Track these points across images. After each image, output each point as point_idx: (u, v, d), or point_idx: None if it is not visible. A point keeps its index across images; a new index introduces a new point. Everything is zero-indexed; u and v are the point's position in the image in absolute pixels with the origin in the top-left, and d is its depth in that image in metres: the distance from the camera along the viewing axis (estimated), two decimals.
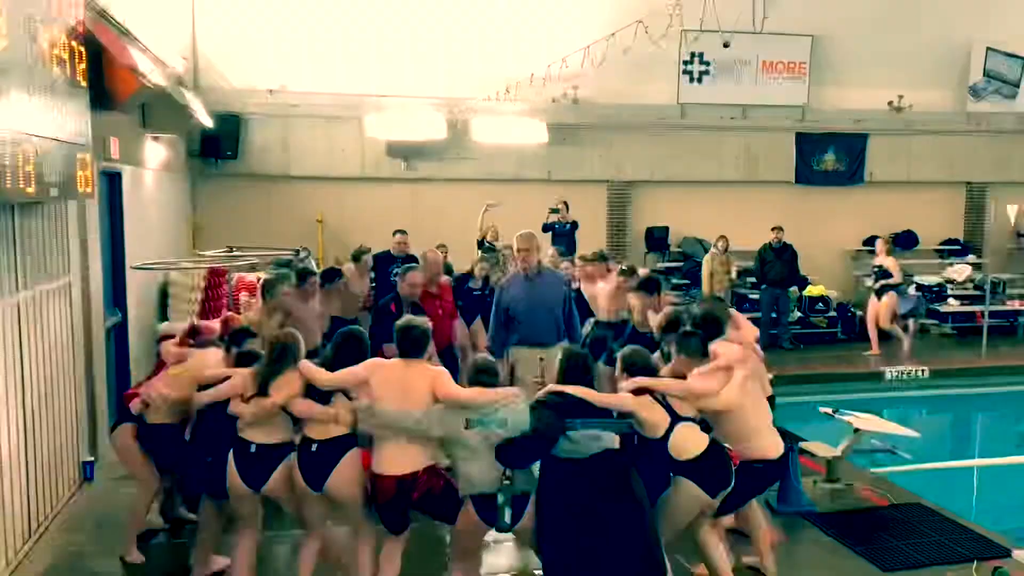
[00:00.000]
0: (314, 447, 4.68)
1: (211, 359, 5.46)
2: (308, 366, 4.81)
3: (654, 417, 4.61)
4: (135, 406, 5.64)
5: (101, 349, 7.69)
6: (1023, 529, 7.38)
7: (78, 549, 5.88)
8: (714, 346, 5.15)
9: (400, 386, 4.62)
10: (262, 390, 4.79)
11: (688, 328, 5.38)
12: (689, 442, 4.67)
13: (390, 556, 4.79)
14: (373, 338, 6.90)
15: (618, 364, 4.93)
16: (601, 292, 8.25)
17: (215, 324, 6.11)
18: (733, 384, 4.91)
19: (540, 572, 5.51)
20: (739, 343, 5.24)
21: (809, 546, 6.06)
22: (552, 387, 4.58)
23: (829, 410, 7.50)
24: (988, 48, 15.90)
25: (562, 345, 7.34)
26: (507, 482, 4.33)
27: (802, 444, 7.33)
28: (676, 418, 4.66)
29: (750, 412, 5.00)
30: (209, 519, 5.29)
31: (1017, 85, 16.10)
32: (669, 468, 4.67)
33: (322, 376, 4.73)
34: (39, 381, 6.06)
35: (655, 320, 6.14)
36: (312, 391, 4.76)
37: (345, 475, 4.64)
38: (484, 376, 4.57)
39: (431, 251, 8.16)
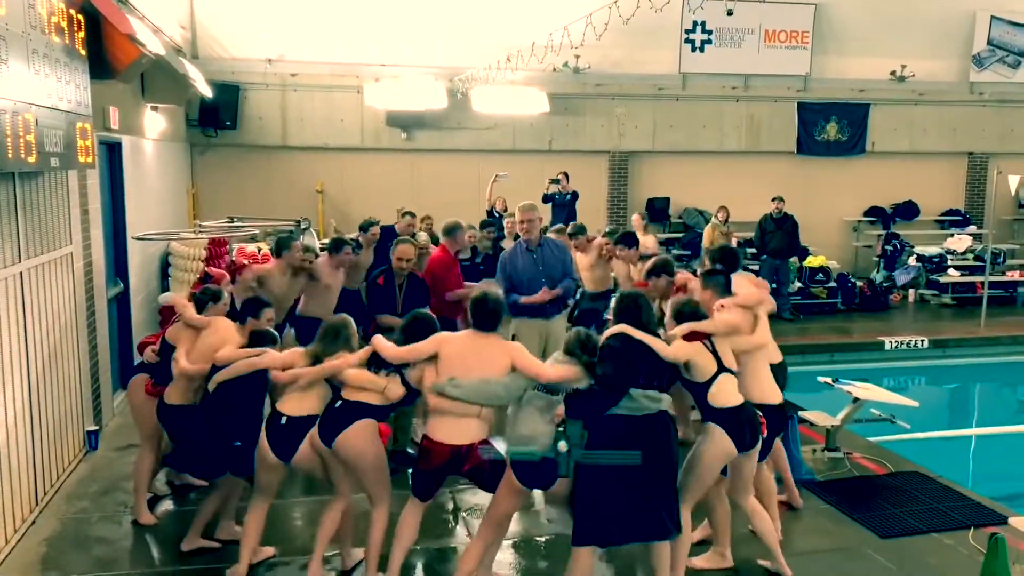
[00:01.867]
0: (337, 404, 4.73)
1: (224, 331, 5.36)
2: (379, 339, 4.79)
3: (703, 362, 4.73)
4: (147, 356, 5.69)
5: (104, 319, 7.71)
6: (1020, 496, 7.48)
7: (83, 517, 5.93)
8: (734, 283, 5.35)
9: (477, 358, 4.61)
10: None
11: (710, 266, 5.62)
12: (728, 392, 4.75)
13: (409, 520, 4.82)
14: (368, 308, 6.97)
15: (667, 312, 5.01)
16: (582, 262, 8.29)
17: (228, 277, 6.11)
18: (762, 324, 5.14)
19: (544, 538, 5.61)
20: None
21: (808, 514, 6.11)
22: (621, 327, 4.56)
23: (829, 379, 7.53)
24: (992, 16, 15.78)
25: (563, 317, 7.45)
26: (560, 431, 4.34)
27: (801, 413, 7.37)
28: (721, 368, 4.76)
29: (759, 355, 5.17)
30: (232, 488, 5.35)
31: (1021, 54, 15.99)
32: (705, 414, 4.76)
33: (391, 350, 4.71)
34: (42, 351, 6.08)
35: (640, 269, 6.18)
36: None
37: (356, 436, 4.66)
38: (579, 349, 4.52)
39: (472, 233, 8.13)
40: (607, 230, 8.21)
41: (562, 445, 4.31)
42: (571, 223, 9.07)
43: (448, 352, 4.66)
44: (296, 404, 4.83)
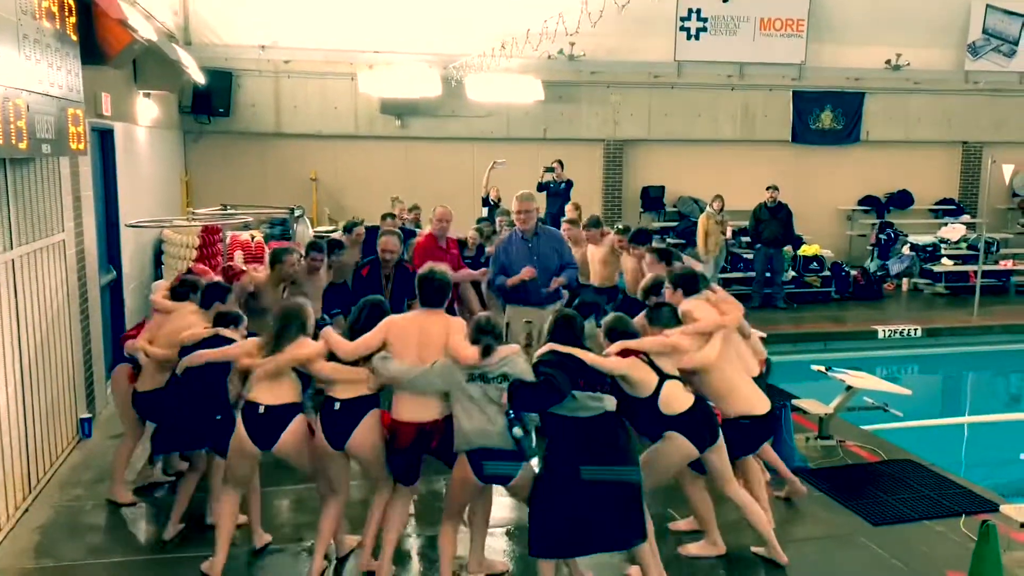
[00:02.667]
0: (337, 405, 4.71)
1: (189, 316, 5.47)
2: (331, 336, 4.79)
3: (641, 375, 4.69)
4: (128, 347, 5.76)
5: (96, 307, 7.68)
6: (1011, 484, 7.53)
7: (77, 504, 5.92)
8: (689, 305, 5.24)
9: (418, 338, 4.66)
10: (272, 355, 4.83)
11: (658, 299, 5.52)
12: (677, 398, 4.75)
13: (398, 508, 4.86)
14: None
15: (601, 331, 5.00)
16: (595, 256, 8.21)
17: (212, 274, 6.10)
18: (712, 344, 5.04)
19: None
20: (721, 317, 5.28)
21: (801, 501, 6.13)
22: (550, 346, 4.60)
23: (822, 368, 7.55)
24: (988, 5, 15.77)
25: (556, 307, 7.43)
26: (514, 421, 4.35)
27: (795, 401, 7.40)
28: (663, 377, 4.75)
29: (728, 371, 5.13)
30: (210, 463, 5.38)
31: (1016, 43, 15.98)
32: (660, 424, 4.75)
33: (345, 346, 4.73)
34: (35, 339, 6.06)
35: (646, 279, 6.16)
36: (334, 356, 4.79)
37: (366, 434, 4.69)
38: (485, 336, 4.56)
39: (442, 208, 7.99)
40: (619, 227, 8.11)
41: (517, 431, 4.35)
42: (590, 215, 8.94)
43: (394, 334, 4.69)
44: (270, 393, 4.78)
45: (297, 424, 4.79)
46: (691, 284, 5.43)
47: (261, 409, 4.74)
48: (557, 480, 4.36)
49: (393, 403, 4.74)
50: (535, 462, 4.72)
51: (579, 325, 4.67)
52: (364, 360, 4.73)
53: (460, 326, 4.72)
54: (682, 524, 5.58)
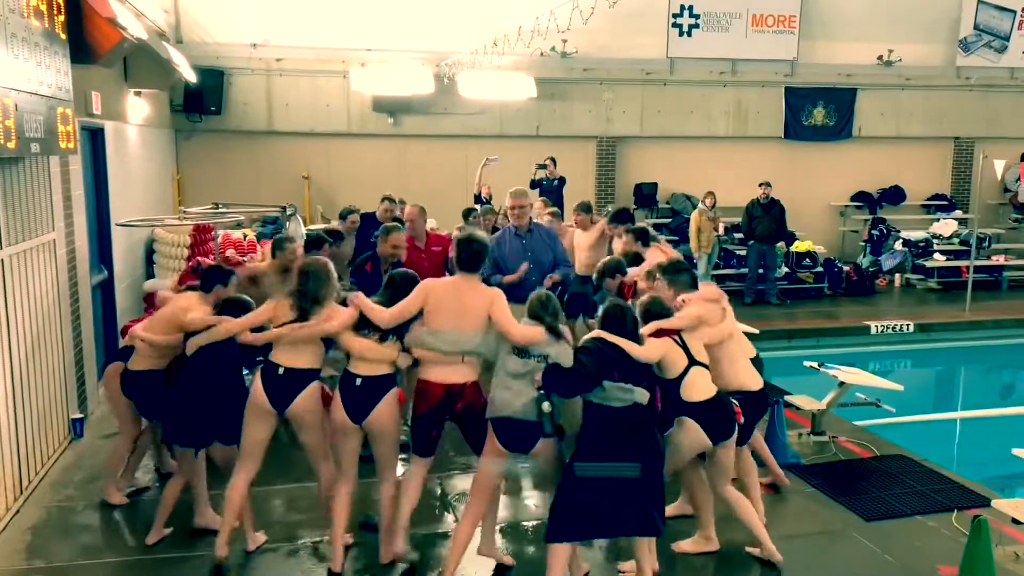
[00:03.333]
0: (358, 381, 4.74)
1: (184, 299, 5.43)
2: (365, 302, 4.81)
3: (674, 357, 4.81)
4: (127, 336, 5.73)
5: (88, 306, 7.65)
6: (1003, 479, 7.55)
7: (69, 505, 5.90)
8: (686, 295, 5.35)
9: (456, 305, 4.74)
10: (302, 317, 4.83)
11: (613, 281, 5.78)
12: (699, 386, 4.85)
13: (413, 481, 4.89)
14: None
15: (637, 311, 5.00)
16: (582, 241, 8.17)
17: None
18: (729, 317, 5.28)
19: (531, 523, 5.62)
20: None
21: (794, 496, 6.15)
22: (597, 332, 4.64)
23: (815, 364, 7.56)
24: (979, 1, 15.80)
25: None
26: (543, 397, 4.44)
27: (788, 397, 7.41)
28: (692, 362, 4.86)
29: (732, 345, 5.33)
30: (194, 469, 5.32)
31: (1007, 38, 16.02)
32: (677, 409, 4.82)
33: (383, 314, 4.75)
34: (26, 339, 6.04)
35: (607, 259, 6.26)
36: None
37: (385, 412, 4.74)
38: (546, 315, 4.62)
39: (411, 207, 7.98)
40: (611, 211, 8.08)
41: (546, 406, 4.42)
42: (581, 201, 8.92)
43: (433, 300, 4.77)
44: (291, 356, 4.83)
45: (313, 388, 4.85)
46: (645, 236, 5.87)
47: (280, 370, 4.81)
48: (586, 456, 4.40)
49: (421, 366, 4.80)
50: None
51: (630, 316, 4.70)
52: (392, 333, 4.76)
53: (502, 298, 4.79)
54: (669, 509, 5.55)
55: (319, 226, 12.03)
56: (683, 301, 5.16)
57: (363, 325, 4.80)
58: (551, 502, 4.55)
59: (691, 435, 4.83)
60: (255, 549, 5.27)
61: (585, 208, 8.42)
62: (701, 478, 5.20)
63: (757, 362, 5.68)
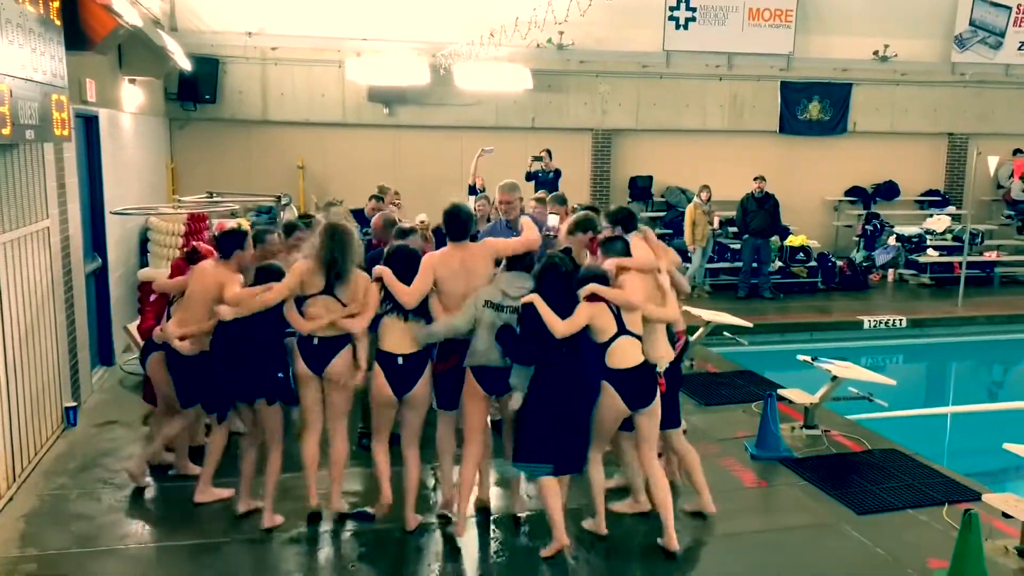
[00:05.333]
0: (400, 360, 5.10)
1: (211, 270, 5.45)
2: (391, 279, 5.09)
3: (604, 324, 4.98)
4: (158, 335, 5.72)
5: (82, 294, 7.63)
6: (994, 473, 7.60)
7: (62, 493, 5.89)
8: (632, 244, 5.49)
9: (462, 269, 5.15)
10: (329, 288, 5.12)
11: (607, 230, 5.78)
12: (625, 354, 5.00)
13: (446, 433, 5.42)
14: None
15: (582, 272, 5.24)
16: (560, 232, 8.20)
17: (210, 248, 6.17)
18: (665, 288, 5.32)
19: (524, 515, 5.63)
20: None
21: (786, 490, 6.18)
22: (533, 298, 4.90)
23: (808, 358, 7.58)
24: None
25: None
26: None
27: (780, 391, 7.44)
28: (622, 331, 5.00)
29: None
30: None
31: (1002, 35, 16.05)
32: (601, 373, 5.00)
33: (407, 294, 5.06)
34: (19, 327, 6.01)
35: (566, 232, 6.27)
36: None
37: (424, 384, 5.19)
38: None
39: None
40: (575, 207, 8.09)
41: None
42: (557, 192, 8.95)
43: (441, 271, 5.14)
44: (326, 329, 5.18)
45: (347, 351, 5.17)
46: (629, 222, 5.67)
47: (315, 341, 5.15)
48: (535, 406, 4.92)
49: None
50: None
51: (567, 268, 5.03)
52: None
53: (494, 241, 5.38)
54: (611, 482, 5.76)
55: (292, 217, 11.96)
56: (613, 267, 5.21)
57: (392, 306, 5.11)
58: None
59: (609, 400, 5.00)
60: (270, 527, 5.35)
61: (560, 200, 8.50)
62: (630, 446, 5.39)
63: (684, 344, 5.83)
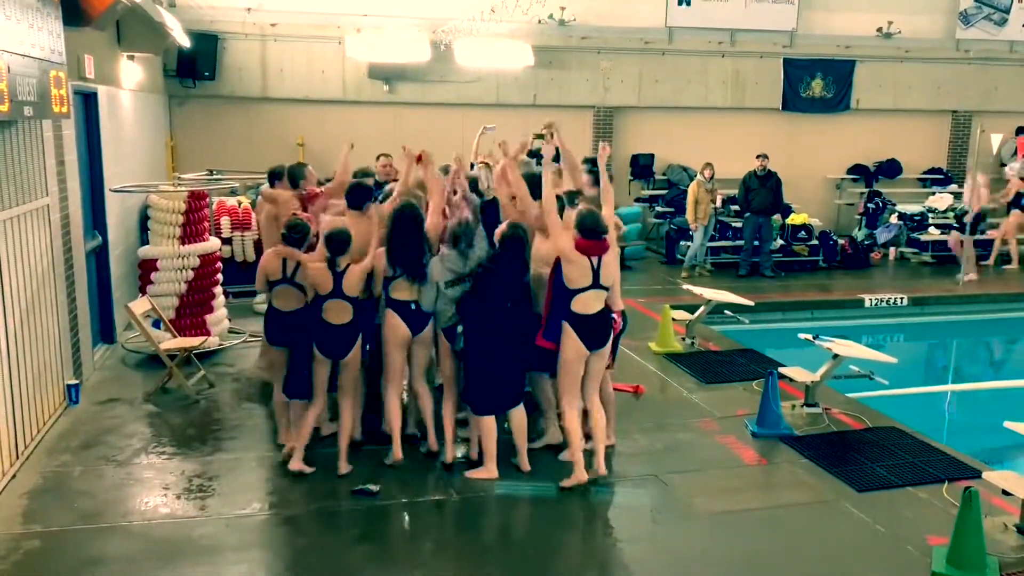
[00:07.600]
0: (413, 307, 5.85)
1: (351, 221, 6.04)
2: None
3: (579, 274, 5.44)
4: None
5: (82, 272, 7.62)
6: (993, 451, 7.61)
7: (65, 471, 5.91)
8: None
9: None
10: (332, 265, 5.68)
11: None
12: (590, 302, 5.51)
13: (449, 360, 6.14)
14: None
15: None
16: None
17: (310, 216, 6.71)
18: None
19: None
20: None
21: (786, 468, 6.20)
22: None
23: (809, 336, 7.58)
24: None
25: None
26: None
27: (781, 369, 7.44)
28: (595, 284, 5.48)
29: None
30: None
31: (1007, 11, 15.92)
32: (563, 315, 5.50)
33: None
34: (19, 305, 6.01)
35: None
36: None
37: (430, 329, 5.99)
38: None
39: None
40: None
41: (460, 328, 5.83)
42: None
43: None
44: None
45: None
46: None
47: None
48: (475, 350, 5.72)
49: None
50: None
51: (524, 237, 5.67)
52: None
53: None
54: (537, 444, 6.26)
55: None
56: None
57: (403, 271, 5.79)
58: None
59: (571, 342, 5.49)
60: (297, 471, 5.77)
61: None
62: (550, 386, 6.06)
63: (622, 321, 6.19)
